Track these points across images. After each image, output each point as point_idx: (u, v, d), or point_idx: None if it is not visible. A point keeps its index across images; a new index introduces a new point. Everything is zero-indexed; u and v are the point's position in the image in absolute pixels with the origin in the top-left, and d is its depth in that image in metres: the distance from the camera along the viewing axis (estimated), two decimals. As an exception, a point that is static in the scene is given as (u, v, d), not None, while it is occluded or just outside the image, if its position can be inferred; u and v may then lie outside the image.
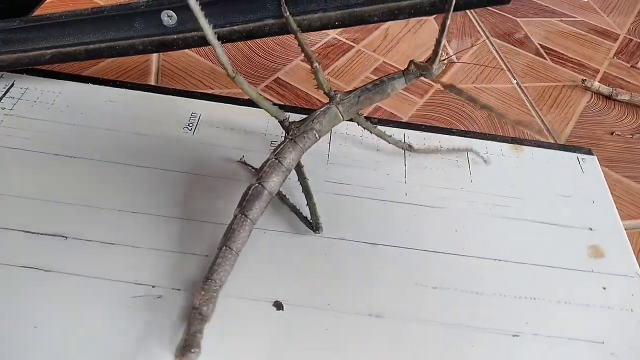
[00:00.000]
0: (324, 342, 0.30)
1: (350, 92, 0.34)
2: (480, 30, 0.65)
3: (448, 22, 0.30)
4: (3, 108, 0.41)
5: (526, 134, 0.50)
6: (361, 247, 0.35)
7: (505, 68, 0.59)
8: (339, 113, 0.34)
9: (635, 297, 0.35)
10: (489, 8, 0.70)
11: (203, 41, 0.35)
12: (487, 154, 0.43)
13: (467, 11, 0.68)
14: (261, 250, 0.34)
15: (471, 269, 0.35)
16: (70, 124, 0.40)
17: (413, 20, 0.65)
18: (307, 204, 0.35)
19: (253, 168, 0.38)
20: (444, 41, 0.32)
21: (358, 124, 0.38)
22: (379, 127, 0.39)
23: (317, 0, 0.33)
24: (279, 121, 0.34)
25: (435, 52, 0.32)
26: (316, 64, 0.33)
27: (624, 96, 0.55)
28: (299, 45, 0.33)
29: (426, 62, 0.33)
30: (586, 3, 0.73)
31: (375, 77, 0.58)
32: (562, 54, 0.63)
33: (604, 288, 0.35)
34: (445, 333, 0.31)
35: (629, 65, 0.61)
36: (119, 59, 0.53)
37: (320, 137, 0.34)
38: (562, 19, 0.69)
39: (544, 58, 0.62)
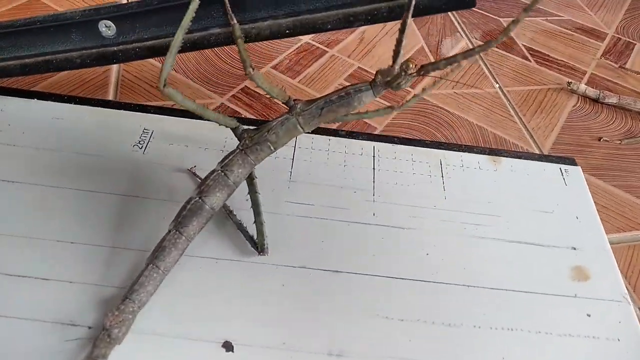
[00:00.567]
0: (276, 388, 0.27)
1: (312, 101, 0.31)
2: (461, 31, 0.62)
3: (408, 22, 0.27)
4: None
5: (506, 144, 0.47)
6: (323, 276, 0.32)
7: (487, 71, 0.56)
8: (298, 125, 0.31)
9: (623, 324, 0.32)
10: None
11: (146, 53, 0.32)
12: (463, 168, 0.40)
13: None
14: (208, 280, 0.31)
15: (442, 297, 0.32)
16: (10, 144, 0.37)
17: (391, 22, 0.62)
18: (255, 221, 0.32)
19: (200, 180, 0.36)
20: (404, 41, 0.28)
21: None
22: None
23: (266, 6, 0.30)
24: (231, 129, 0.31)
25: (395, 52, 0.28)
26: (250, 69, 0.29)
27: (612, 99, 0.52)
28: (238, 53, 0.29)
29: (390, 66, 0.29)
30: (572, 0, 0.70)
31: (349, 84, 0.55)
32: (548, 55, 0.60)
33: (589, 315, 0.32)
34: (412, 372, 0.28)
35: (617, 65, 0.59)
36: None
37: (275, 149, 0.31)
38: (548, 18, 0.66)
39: (528, 60, 0.59)
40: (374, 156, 0.40)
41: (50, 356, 0.27)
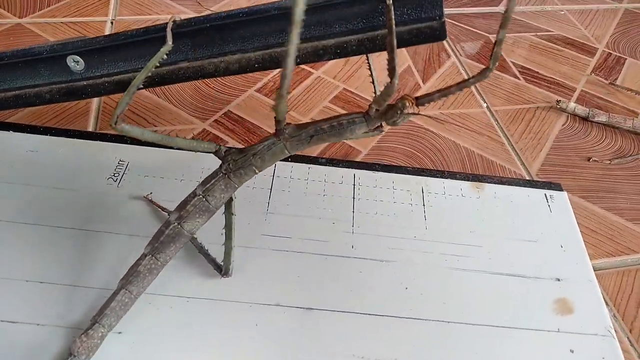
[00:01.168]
0: None
1: (302, 126, 0.29)
2: (450, 50, 0.61)
3: (396, 60, 0.26)
4: None
5: (493, 166, 0.46)
6: (297, 314, 0.31)
7: (474, 91, 0.56)
8: (285, 150, 0.29)
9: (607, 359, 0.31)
10: (461, 25, 0.66)
11: (115, 87, 0.32)
12: (445, 195, 0.39)
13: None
14: (176, 320, 0.30)
15: (421, 335, 0.31)
16: (-18, 179, 0.36)
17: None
18: (224, 243, 0.31)
19: (163, 209, 0.35)
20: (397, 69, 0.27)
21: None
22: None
23: (235, 40, 0.30)
24: (212, 153, 0.30)
25: (391, 71, 0.27)
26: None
27: (602, 117, 0.52)
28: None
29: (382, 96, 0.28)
30: (563, 15, 0.69)
31: (335, 107, 0.55)
32: (536, 72, 0.59)
33: (572, 351, 0.31)
34: (387, 417, 0.28)
35: (607, 82, 0.58)
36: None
37: (260, 172, 0.30)
38: (537, 33, 0.66)
39: (517, 78, 0.58)
40: (354, 184, 0.39)
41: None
